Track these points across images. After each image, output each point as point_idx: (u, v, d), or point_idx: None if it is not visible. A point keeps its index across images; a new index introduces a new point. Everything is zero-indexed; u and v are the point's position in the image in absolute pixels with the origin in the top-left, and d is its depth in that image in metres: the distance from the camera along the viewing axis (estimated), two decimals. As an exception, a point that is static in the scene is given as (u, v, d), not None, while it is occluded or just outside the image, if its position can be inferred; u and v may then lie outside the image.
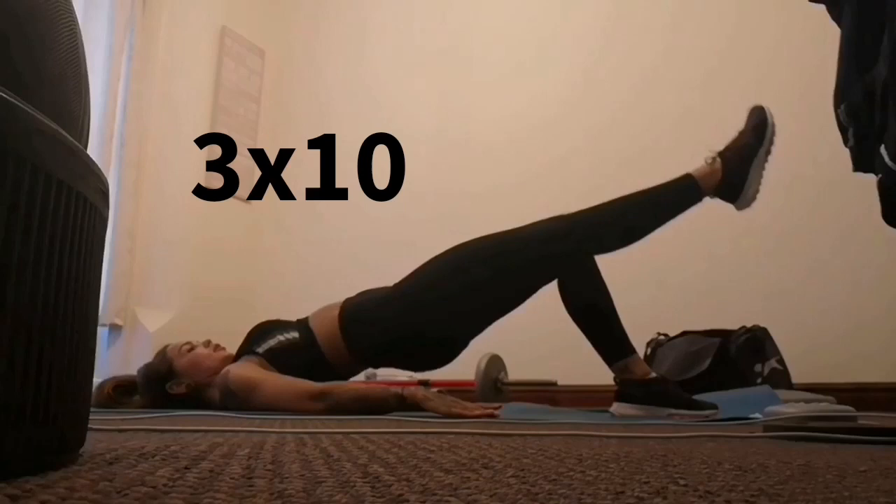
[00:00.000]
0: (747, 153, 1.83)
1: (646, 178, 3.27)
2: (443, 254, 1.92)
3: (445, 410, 1.55)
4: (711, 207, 3.07)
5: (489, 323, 1.89)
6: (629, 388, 1.74)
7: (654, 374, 1.78)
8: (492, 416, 1.55)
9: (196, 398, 1.90)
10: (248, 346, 1.89)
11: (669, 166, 3.21)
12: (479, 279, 1.83)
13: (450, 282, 1.85)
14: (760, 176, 1.81)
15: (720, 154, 1.86)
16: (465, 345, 1.92)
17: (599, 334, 1.80)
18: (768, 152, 1.83)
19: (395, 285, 1.93)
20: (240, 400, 1.74)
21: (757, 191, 1.82)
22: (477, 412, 1.55)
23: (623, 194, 1.94)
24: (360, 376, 2.86)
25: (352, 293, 1.98)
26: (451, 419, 1.47)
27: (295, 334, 1.89)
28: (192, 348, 1.96)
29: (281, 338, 1.88)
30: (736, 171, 1.81)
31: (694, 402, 1.72)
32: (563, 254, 1.80)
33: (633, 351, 1.79)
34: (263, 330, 1.93)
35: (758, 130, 1.84)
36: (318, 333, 1.88)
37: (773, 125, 1.83)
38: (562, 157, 3.49)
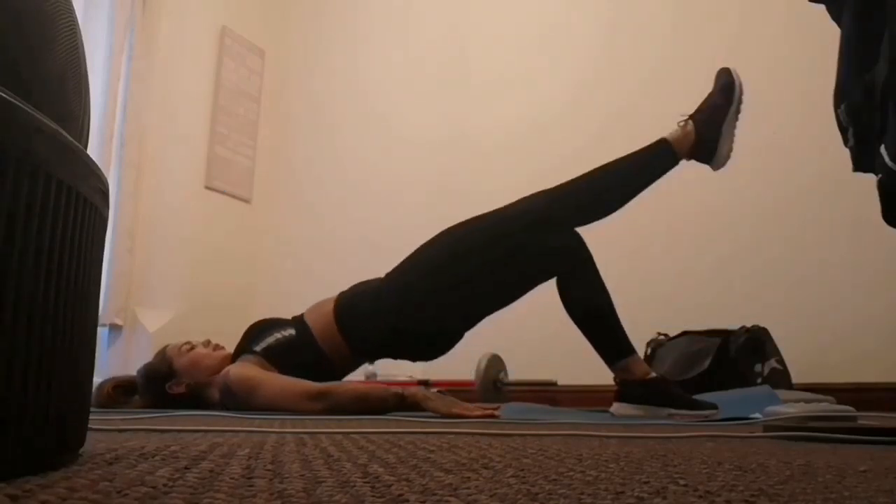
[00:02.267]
0: (717, 114, 1.87)
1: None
2: (431, 241, 1.91)
3: (445, 410, 1.55)
4: (711, 207, 3.08)
5: (483, 315, 1.89)
6: (629, 388, 1.74)
7: (653, 374, 1.79)
8: (492, 416, 1.55)
9: (196, 398, 1.90)
10: (246, 346, 1.89)
11: (671, 172, 3.22)
12: (469, 270, 1.83)
13: (439, 273, 1.84)
14: (732, 135, 1.87)
15: (691, 117, 1.90)
16: (459, 336, 1.91)
17: (599, 335, 1.79)
18: (738, 111, 1.88)
19: (387, 276, 1.92)
20: (239, 400, 1.74)
21: (730, 149, 1.87)
22: (477, 413, 1.55)
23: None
24: (360, 375, 2.86)
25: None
26: (451, 419, 1.47)
27: (291, 331, 1.89)
28: (192, 348, 1.96)
29: (278, 335, 1.88)
30: (708, 132, 1.86)
31: (694, 402, 1.72)
32: (554, 249, 1.79)
33: (632, 351, 1.79)
34: (260, 328, 1.93)
35: (725, 91, 1.89)
36: (315, 329, 1.88)
37: (741, 84, 1.89)
38: (561, 161, 3.47)
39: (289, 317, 1.99)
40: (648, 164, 1.92)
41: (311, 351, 1.85)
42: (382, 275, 1.98)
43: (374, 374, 3.10)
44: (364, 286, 1.95)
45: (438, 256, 1.87)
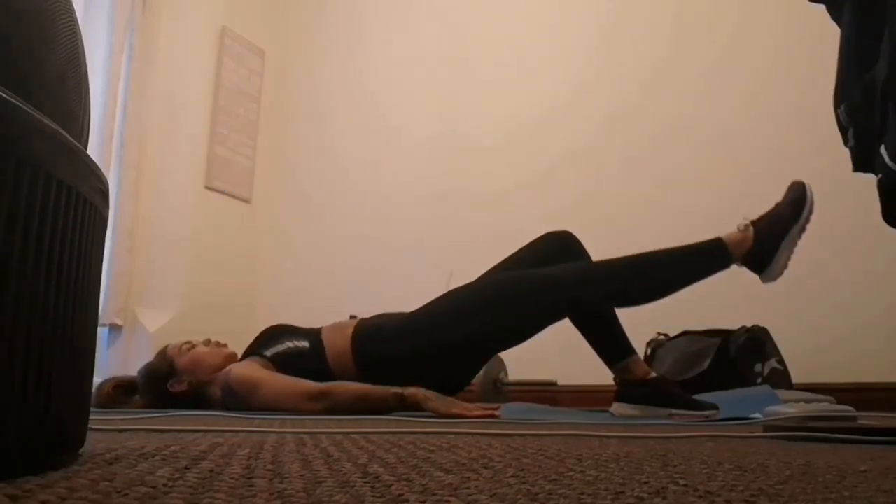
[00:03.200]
0: (781, 227, 1.76)
1: (645, 179, 3.28)
2: (466, 289, 1.89)
3: (445, 411, 1.55)
4: (711, 207, 3.08)
5: (493, 356, 1.91)
6: (629, 388, 1.74)
7: (653, 374, 1.79)
8: (492, 416, 1.55)
9: (197, 396, 1.89)
10: (257, 348, 1.89)
11: (668, 168, 3.22)
12: (498, 322, 1.81)
13: (468, 323, 1.82)
14: (791, 252, 1.76)
15: (753, 223, 1.80)
16: (468, 384, 1.93)
17: (599, 336, 1.79)
18: (803, 230, 1.75)
19: (412, 314, 1.91)
20: (240, 399, 1.74)
21: (785, 266, 1.76)
22: (476, 413, 1.55)
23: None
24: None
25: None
26: (450, 419, 1.47)
27: (305, 344, 1.89)
28: (193, 347, 1.96)
29: (290, 344, 1.88)
30: (767, 244, 1.75)
31: (694, 402, 1.72)
32: (583, 300, 1.78)
33: (632, 351, 1.79)
34: (274, 333, 1.93)
35: (796, 205, 1.76)
36: (329, 347, 1.87)
37: (813, 203, 1.75)
38: (562, 159, 3.49)
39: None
40: (700, 265, 1.83)
41: (320, 368, 1.84)
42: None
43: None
44: (388, 319, 1.94)
45: (469, 305, 1.85)
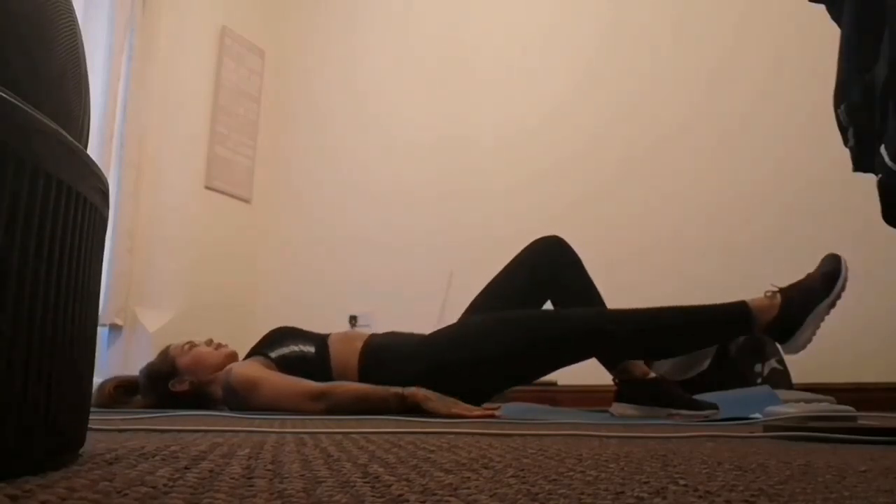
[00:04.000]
0: (810, 299, 1.68)
1: (645, 181, 3.28)
2: (482, 321, 1.86)
3: (446, 411, 1.55)
4: (712, 207, 3.08)
5: (502, 391, 1.91)
6: (629, 389, 1.74)
7: (653, 375, 1.78)
8: (491, 416, 1.55)
9: (199, 396, 1.89)
10: (262, 349, 1.89)
11: (669, 169, 3.22)
12: (512, 354, 1.77)
13: (481, 352, 1.78)
14: (817, 326, 1.68)
15: (782, 291, 1.73)
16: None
17: (600, 350, 1.78)
18: (832, 305, 1.68)
19: (425, 341, 1.87)
20: (240, 398, 1.74)
21: (809, 340, 1.68)
22: (476, 413, 1.55)
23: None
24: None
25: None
26: (451, 419, 1.47)
27: (311, 349, 1.88)
28: (194, 347, 1.97)
29: (295, 348, 1.88)
30: (793, 314, 1.68)
31: (694, 401, 1.72)
32: (599, 341, 1.74)
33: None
34: (281, 335, 1.93)
35: (827, 279, 1.70)
36: (334, 356, 1.87)
37: (846, 279, 1.68)
38: (562, 160, 3.49)
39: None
40: (722, 328, 1.77)
41: (323, 375, 1.83)
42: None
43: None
44: (400, 339, 1.92)
45: (486, 337, 1.80)
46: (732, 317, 1.71)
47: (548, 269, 1.90)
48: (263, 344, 1.91)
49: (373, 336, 1.92)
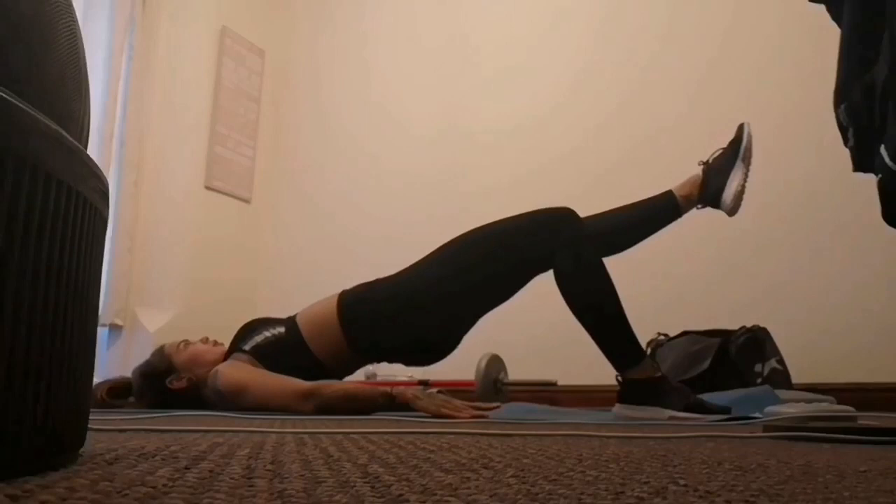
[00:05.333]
0: (725, 162, 1.99)
1: (644, 177, 3.28)
2: (443, 248, 1.89)
3: (435, 410, 1.54)
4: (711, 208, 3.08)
5: (482, 315, 1.90)
6: (633, 389, 1.69)
7: (659, 374, 1.72)
8: (482, 417, 1.54)
9: (196, 394, 1.89)
10: (236, 345, 1.90)
11: (667, 166, 3.22)
12: (481, 277, 1.81)
13: (452, 280, 1.83)
14: (741, 181, 1.97)
15: (703, 164, 2.04)
16: (459, 341, 1.91)
17: (608, 340, 1.70)
18: (745, 159, 1.98)
19: (395, 278, 1.89)
20: (228, 402, 1.74)
21: (739, 195, 1.96)
22: (465, 414, 1.54)
23: (613, 205, 2.03)
24: (360, 376, 2.86)
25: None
26: (440, 419, 1.47)
27: (281, 329, 1.89)
28: (190, 344, 1.97)
29: (267, 334, 1.89)
30: (714, 180, 1.98)
31: (702, 404, 1.67)
32: (558, 244, 1.74)
33: (643, 355, 1.71)
34: (250, 328, 1.94)
35: (734, 142, 2.01)
36: (304, 328, 1.87)
37: (750, 135, 2.00)
38: (563, 156, 3.49)
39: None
40: (656, 217, 2.03)
41: (300, 350, 1.85)
42: (382, 273, 1.98)
43: (374, 375, 3.10)
44: (372, 287, 1.92)
45: (452, 263, 1.85)
46: (661, 206, 2.01)
47: (555, 242, 1.74)
48: (236, 341, 1.92)
49: (343, 293, 1.91)
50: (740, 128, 2.04)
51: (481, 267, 1.82)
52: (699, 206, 2.01)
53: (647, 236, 2.03)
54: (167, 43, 3.74)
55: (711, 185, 1.98)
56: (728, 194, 1.96)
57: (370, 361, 2.03)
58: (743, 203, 2.03)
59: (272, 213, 4.27)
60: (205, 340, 1.99)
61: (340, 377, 1.94)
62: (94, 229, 0.54)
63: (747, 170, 1.99)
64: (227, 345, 1.99)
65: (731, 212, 1.98)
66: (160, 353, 1.98)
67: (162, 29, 3.73)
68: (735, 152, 1.99)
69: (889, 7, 1.10)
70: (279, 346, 1.86)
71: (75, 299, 0.50)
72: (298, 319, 1.91)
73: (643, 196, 1.98)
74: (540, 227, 1.78)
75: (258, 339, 1.88)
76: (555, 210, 1.81)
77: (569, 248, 1.73)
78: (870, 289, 2.73)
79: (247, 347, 1.86)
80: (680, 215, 2.02)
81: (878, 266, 2.71)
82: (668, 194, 2.01)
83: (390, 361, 2.03)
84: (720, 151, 2.03)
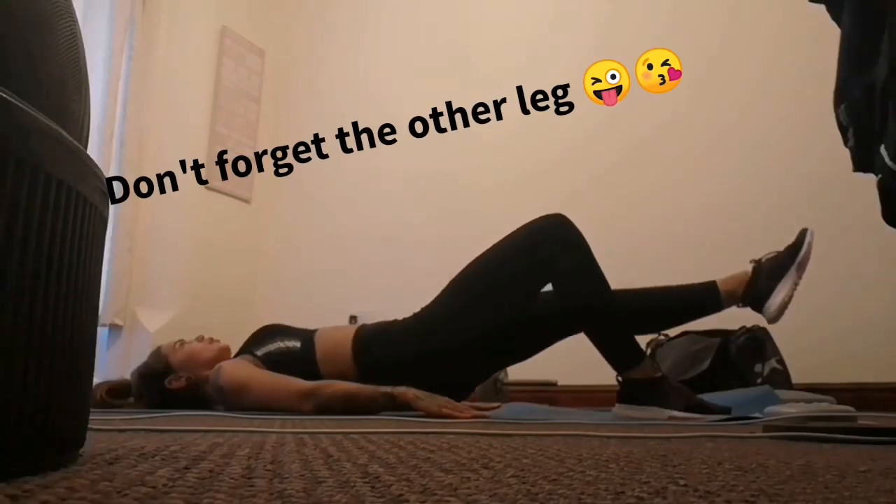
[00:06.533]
0: (779, 266, 1.87)
1: (644, 177, 3.28)
2: (450, 284, 1.89)
3: (435, 410, 1.54)
4: (711, 207, 3.08)
5: (499, 369, 1.90)
6: (633, 389, 1.70)
7: (659, 374, 1.73)
8: (483, 417, 1.54)
9: (195, 393, 1.89)
10: (249, 348, 1.89)
11: (668, 166, 3.22)
12: (490, 304, 1.80)
13: (471, 324, 1.80)
14: (790, 290, 1.84)
15: (754, 262, 1.93)
16: (472, 390, 1.92)
17: (607, 341, 1.71)
18: (800, 268, 1.86)
19: (417, 316, 1.89)
20: (231, 399, 1.74)
21: (785, 304, 1.84)
22: (466, 414, 1.54)
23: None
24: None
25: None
26: (441, 419, 1.47)
27: (296, 343, 1.88)
28: (186, 344, 1.97)
29: (281, 344, 1.88)
30: (763, 281, 1.87)
31: (703, 405, 1.67)
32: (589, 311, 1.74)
33: (643, 356, 1.72)
34: (267, 333, 1.93)
35: (793, 248, 1.90)
36: (320, 349, 1.86)
37: (811, 244, 1.88)
38: (563, 156, 3.49)
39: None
40: (692, 309, 1.97)
41: (309, 369, 1.83)
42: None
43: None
44: (392, 322, 1.92)
45: (459, 296, 1.85)
46: (702, 297, 1.91)
47: (548, 249, 1.75)
48: (251, 342, 1.92)
49: (363, 326, 1.93)
50: (802, 233, 1.92)
51: (487, 294, 1.81)
52: (740, 304, 1.91)
53: (680, 325, 1.95)
54: (167, 43, 3.74)
55: (760, 288, 1.86)
56: (774, 302, 1.84)
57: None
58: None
59: (272, 213, 4.26)
60: (201, 339, 1.99)
61: None
62: (94, 229, 0.54)
63: (799, 279, 1.86)
64: (224, 342, 1.99)
65: (772, 321, 1.87)
66: (157, 353, 1.98)
67: (162, 29, 3.72)
68: (791, 258, 1.87)
69: (889, 7, 1.10)
70: (290, 359, 1.85)
71: (75, 299, 0.50)
72: (317, 339, 1.90)
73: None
74: (535, 237, 1.80)
75: (272, 347, 1.87)
76: (547, 217, 1.83)
77: (564, 251, 1.74)
78: (870, 289, 2.73)
79: (259, 353, 1.86)
80: (720, 310, 1.92)
81: (878, 266, 2.71)
82: (712, 286, 1.91)
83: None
84: (774, 254, 1.91)
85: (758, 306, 1.86)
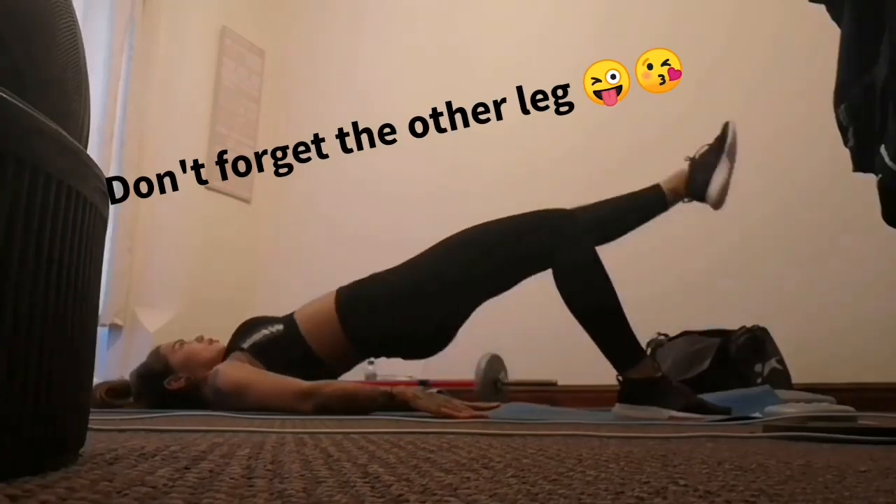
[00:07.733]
0: (711, 157, 2.05)
1: (644, 177, 3.27)
2: (443, 242, 1.94)
3: (435, 410, 1.54)
4: (710, 207, 3.07)
5: (475, 307, 1.92)
6: (633, 388, 1.70)
7: (660, 374, 1.73)
8: (482, 417, 1.54)
9: (195, 393, 1.89)
10: (235, 344, 1.90)
11: (667, 167, 3.22)
12: (480, 271, 1.86)
13: (452, 273, 1.86)
14: (725, 175, 2.02)
15: (688, 158, 2.08)
16: (454, 333, 1.93)
17: (608, 339, 1.71)
18: (730, 155, 2.04)
19: (394, 271, 1.94)
20: (229, 402, 1.74)
21: (724, 189, 2.01)
22: (465, 414, 1.54)
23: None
24: (360, 375, 2.86)
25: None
26: (440, 419, 1.47)
27: (279, 327, 1.90)
28: (185, 344, 1.97)
29: (265, 331, 1.89)
30: (700, 175, 2.03)
31: (703, 405, 1.67)
32: (555, 245, 1.78)
33: (643, 356, 1.72)
34: (248, 326, 1.94)
35: (720, 139, 2.07)
36: (303, 325, 1.88)
37: (735, 132, 2.07)
38: (563, 156, 3.49)
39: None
40: (643, 210, 2.07)
41: (299, 347, 1.85)
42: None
43: (374, 375, 3.10)
44: (370, 280, 1.95)
45: (452, 256, 1.90)
46: (649, 199, 2.05)
47: (553, 242, 1.76)
48: (235, 339, 1.92)
49: (340, 290, 1.94)
50: (725, 125, 2.10)
51: (481, 262, 1.85)
52: (685, 199, 2.05)
53: (634, 228, 2.06)
54: (167, 43, 3.74)
55: (697, 180, 2.03)
56: (713, 188, 2.00)
57: (369, 355, 2.03)
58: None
59: (272, 214, 4.26)
60: (200, 339, 2.00)
61: (340, 373, 1.94)
62: (94, 229, 0.54)
63: (732, 165, 2.04)
64: (223, 342, 1.99)
65: (716, 205, 2.02)
66: (156, 354, 1.98)
67: (162, 29, 3.73)
68: (720, 148, 2.04)
69: (889, 7, 1.10)
70: (278, 343, 1.86)
71: (75, 299, 0.50)
72: (297, 316, 1.92)
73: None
74: (540, 225, 1.83)
75: (256, 337, 1.88)
76: (554, 210, 1.87)
77: (567, 247, 1.75)
78: (870, 289, 2.73)
79: (245, 346, 1.86)
80: (667, 208, 2.06)
81: (878, 266, 2.70)
82: (656, 187, 2.06)
83: (388, 355, 2.03)
84: (706, 147, 2.07)
85: (700, 196, 2.02)
